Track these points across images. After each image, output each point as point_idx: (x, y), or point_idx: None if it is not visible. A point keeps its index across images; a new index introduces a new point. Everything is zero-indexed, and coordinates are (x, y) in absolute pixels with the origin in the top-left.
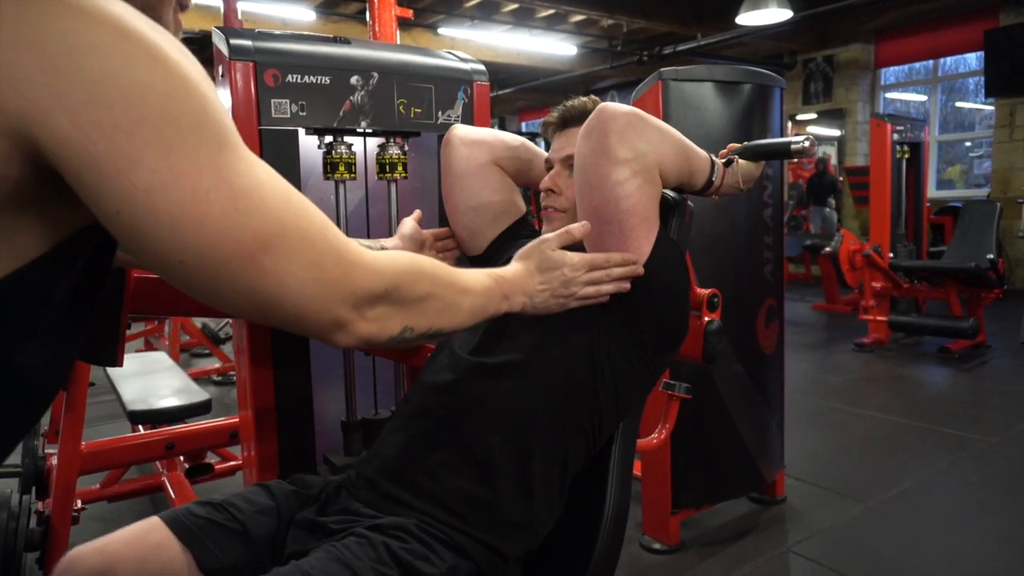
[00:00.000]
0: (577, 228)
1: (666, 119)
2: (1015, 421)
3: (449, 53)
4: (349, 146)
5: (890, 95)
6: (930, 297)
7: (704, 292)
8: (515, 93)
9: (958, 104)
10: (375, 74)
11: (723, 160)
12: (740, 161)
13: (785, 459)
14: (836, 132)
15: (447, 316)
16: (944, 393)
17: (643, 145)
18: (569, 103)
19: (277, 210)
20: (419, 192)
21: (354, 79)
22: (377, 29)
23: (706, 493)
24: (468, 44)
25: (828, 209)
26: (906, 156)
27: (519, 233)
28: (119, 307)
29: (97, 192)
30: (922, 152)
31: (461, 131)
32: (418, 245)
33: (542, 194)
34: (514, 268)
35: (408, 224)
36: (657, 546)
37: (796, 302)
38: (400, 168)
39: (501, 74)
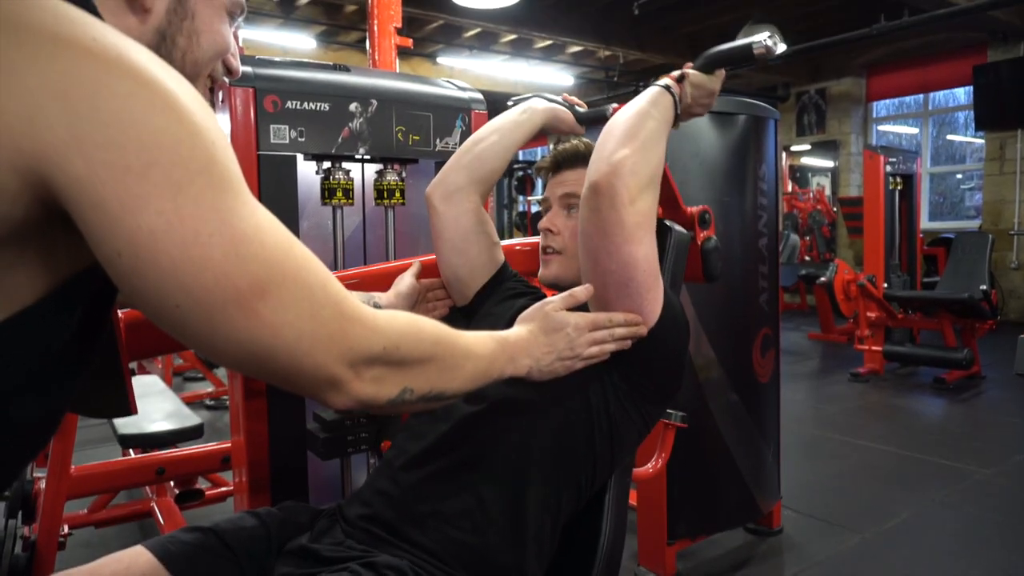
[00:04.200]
0: (581, 292)
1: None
2: (1010, 453)
3: (447, 82)
4: (347, 172)
5: (882, 127)
6: (924, 327)
7: (694, 210)
8: None
9: (949, 137)
10: (374, 101)
11: (676, 77)
12: (694, 74)
13: (781, 489)
14: (829, 163)
15: (448, 378)
16: (939, 424)
17: (649, 200)
18: (561, 147)
19: (278, 257)
20: (416, 219)
21: (353, 106)
22: (377, 57)
23: (702, 523)
24: (466, 73)
25: (794, 235)
26: (899, 188)
27: (504, 282)
28: (117, 354)
29: (102, 232)
30: (914, 183)
31: (437, 191)
32: (413, 302)
33: (541, 234)
34: (518, 331)
35: (406, 281)
36: None
37: (791, 331)
38: (398, 194)
39: (499, 103)
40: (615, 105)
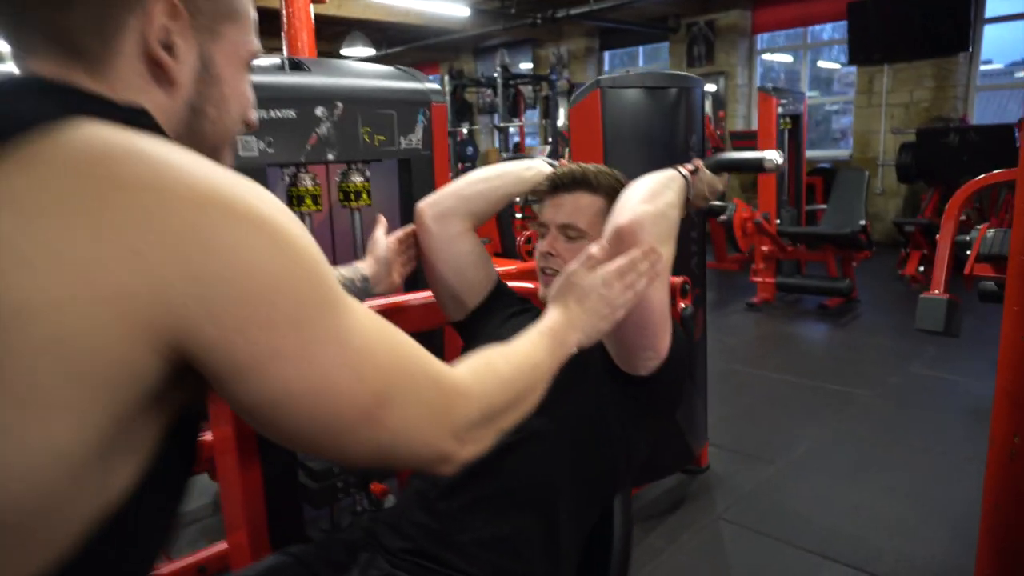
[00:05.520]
0: (597, 249)
1: (604, 121)
2: (886, 374)
3: (402, 70)
4: (314, 177)
5: (764, 57)
6: (811, 259)
7: (677, 280)
8: (405, 51)
9: (820, 63)
10: (339, 104)
11: (690, 169)
12: (705, 171)
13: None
14: (711, 87)
15: (530, 401)
16: (826, 349)
17: (666, 252)
18: (561, 171)
19: (388, 362)
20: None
21: (319, 110)
22: None
23: (645, 475)
24: (358, 1)
25: None
26: (789, 128)
27: (501, 300)
28: None
29: (236, 389)
30: (802, 123)
31: (429, 211)
32: (389, 265)
33: (540, 256)
34: (555, 313)
35: (381, 244)
36: None
37: None
38: (364, 196)
39: (391, 31)
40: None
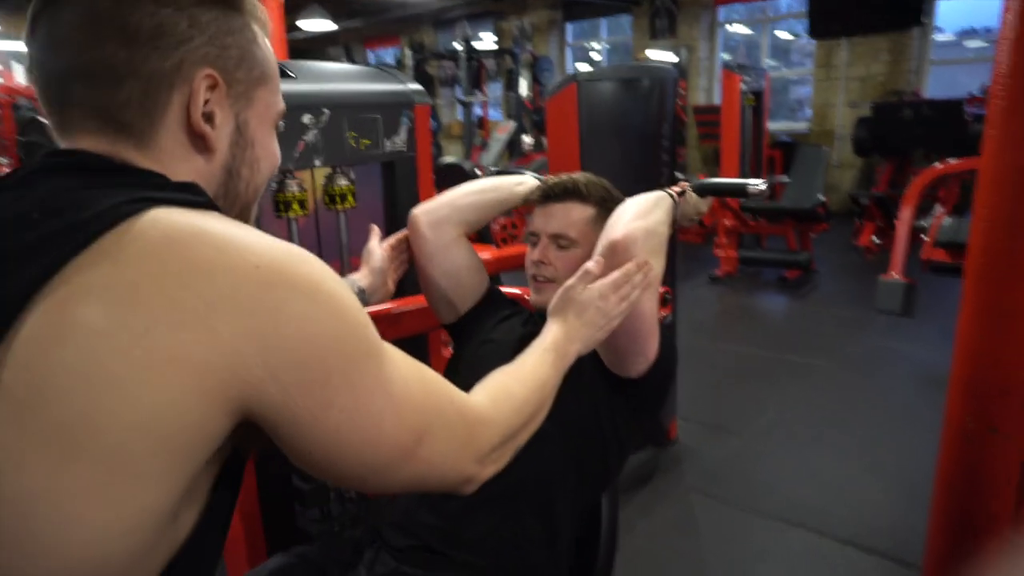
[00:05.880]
0: (593, 266)
1: (580, 113)
2: (842, 344)
3: (384, 70)
4: (300, 182)
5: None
6: (771, 232)
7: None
8: (364, 24)
9: (777, 33)
10: (325, 110)
11: (677, 191)
12: (691, 194)
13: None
14: (674, 57)
15: (542, 415)
16: (787, 321)
17: (656, 266)
18: (551, 181)
19: (423, 402)
20: (364, 216)
21: (306, 118)
22: None
23: None
24: None
25: None
26: (752, 104)
27: (493, 303)
28: None
29: (294, 439)
30: (763, 99)
31: (424, 218)
32: (384, 274)
33: (531, 263)
34: (555, 327)
35: (376, 255)
36: None
37: None
38: (350, 198)
39: (351, 3)
40: None
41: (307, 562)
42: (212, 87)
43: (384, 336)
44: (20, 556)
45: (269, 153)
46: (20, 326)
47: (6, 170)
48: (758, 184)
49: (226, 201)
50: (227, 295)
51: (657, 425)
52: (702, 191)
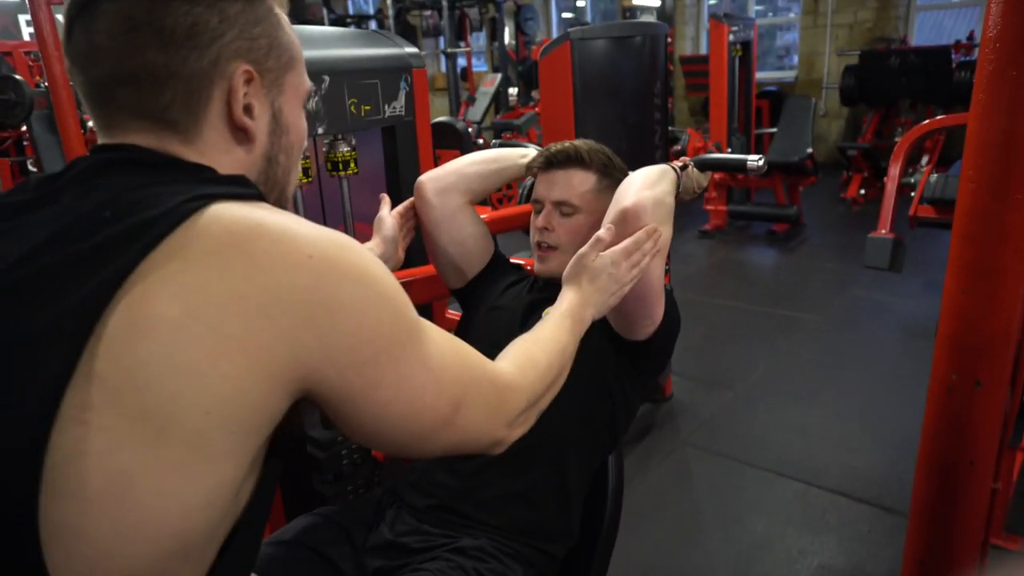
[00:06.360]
0: (605, 234)
1: (575, 71)
2: (829, 298)
3: (381, 34)
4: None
5: None
6: (760, 186)
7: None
8: None
9: None
10: (326, 77)
11: (680, 165)
12: (693, 168)
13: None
14: (656, 3)
15: (563, 379)
16: (776, 275)
17: (666, 232)
18: (554, 148)
19: (459, 374)
20: (365, 181)
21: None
22: None
23: None
24: None
25: None
26: (739, 55)
27: (499, 268)
28: None
29: (348, 415)
30: (751, 50)
31: (430, 186)
32: (396, 244)
33: (535, 230)
34: (571, 294)
35: (387, 223)
36: None
37: None
38: (352, 165)
39: None
40: None
41: (331, 522)
42: (248, 81)
43: None
44: (126, 526)
45: (302, 137)
46: (107, 320)
47: None
48: (756, 160)
49: (266, 187)
50: (286, 286)
51: (655, 383)
52: (703, 166)
